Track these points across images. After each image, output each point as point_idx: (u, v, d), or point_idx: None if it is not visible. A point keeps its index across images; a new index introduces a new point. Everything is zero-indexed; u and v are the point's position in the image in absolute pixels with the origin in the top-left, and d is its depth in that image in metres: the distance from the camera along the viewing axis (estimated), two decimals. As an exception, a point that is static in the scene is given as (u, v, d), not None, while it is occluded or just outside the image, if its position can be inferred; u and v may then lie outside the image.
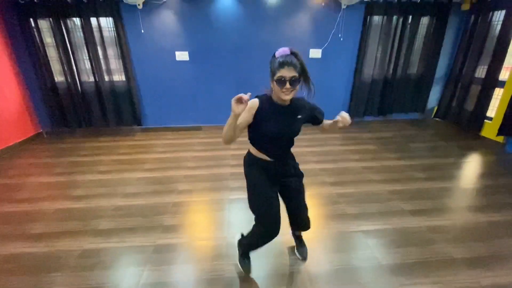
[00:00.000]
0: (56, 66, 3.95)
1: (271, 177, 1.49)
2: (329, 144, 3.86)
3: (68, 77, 3.96)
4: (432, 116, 4.82)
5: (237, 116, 1.18)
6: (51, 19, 3.66)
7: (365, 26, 4.09)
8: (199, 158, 3.43)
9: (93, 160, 3.40)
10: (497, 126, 3.66)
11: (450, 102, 4.44)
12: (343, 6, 3.90)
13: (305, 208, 1.66)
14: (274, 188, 1.52)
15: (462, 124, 4.25)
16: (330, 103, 4.53)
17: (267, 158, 1.46)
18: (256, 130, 1.39)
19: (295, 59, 1.25)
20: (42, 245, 1.97)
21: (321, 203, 2.47)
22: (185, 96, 4.26)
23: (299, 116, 1.42)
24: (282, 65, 1.22)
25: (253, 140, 1.47)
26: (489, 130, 3.86)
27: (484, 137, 3.93)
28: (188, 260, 1.84)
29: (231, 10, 3.84)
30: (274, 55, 1.28)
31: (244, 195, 1.58)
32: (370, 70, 4.38)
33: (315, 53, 4.19)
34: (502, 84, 3.68)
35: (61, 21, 3.69)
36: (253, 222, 1.57)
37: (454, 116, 4.38)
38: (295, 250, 1.90)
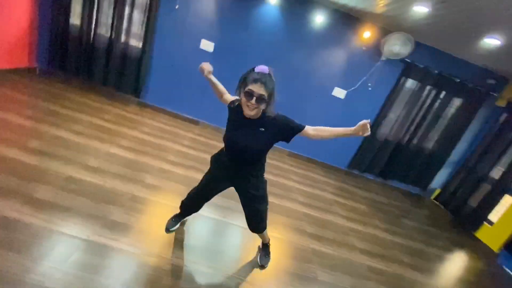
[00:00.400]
0: (76, 8, 3.69)
1: (225, 176, 1.62)
2: (320, 188, 3.58)
3: (84, 23, 3.69)
4: (432, 197, 4.60)
5: (207, 75, 1.54)
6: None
7: (397, 85, 3.91)
8: (182, 155, 3.12)
9: (71, 115, 3.07)
10: (496, 232, 3.42)
11: (454, 191, 4.22)
12: (383, 58, 3.73)
13: (256, 214, 1.70)
14: (223, 183, 1.67)
15: (460, 217, 4.01)
16: (335, 146, 4.29)
17: (226, 159, 1.56)
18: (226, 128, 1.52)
19: (270, 80, 1.30)
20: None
21: (292, 255, 2.15)
22: (195, 86, 3.99)
23: (262, 129, 1.40)
24: (256, 80, 1.27)
25: (224, 136, 1.51)
26: (486, 234, 3.61)
27: (478, 239, 3.67)
28: (116, 274, 1.50)
29: (273, 19, 3.66)
30: (252, 69, 1.34)
31: (214, 215, 1.74)
32: (386, 129, 4.18)
33: (339, 92, 3.99)
34: (513, 192, 3.47)
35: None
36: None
37: (454, 206, 4.15)
38: (257, 257, 1.97)
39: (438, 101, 4.02)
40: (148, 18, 3.64)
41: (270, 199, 2.48)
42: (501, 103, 3.93)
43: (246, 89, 1.29)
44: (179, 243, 1.85)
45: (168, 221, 1.94)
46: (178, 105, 4.13)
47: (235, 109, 1.45)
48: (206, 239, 1.98)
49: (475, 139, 4.24)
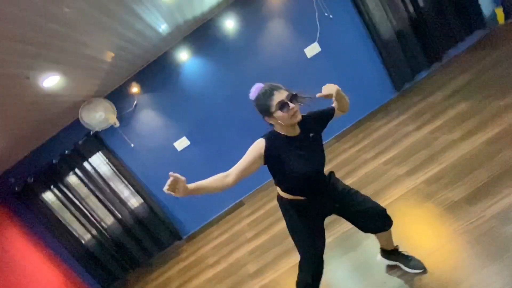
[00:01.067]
0: (78, 228, 3.63)
1: (313, 215, 1.31)
2: (402, 136, 2.71)
3: (93, 231, 3.59)
4: (500, 21, 3.46)
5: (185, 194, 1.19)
6: (53, 188, 3.43)
7: (348, -14, 3.21)
8: (257, 251, 2.52)
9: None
10: None
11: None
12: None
13: (367, 200, 1.34)
14: (318, 221, 1.35)
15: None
16: (365, 92, 3.49)
17: (303, 199, 1.27)
18: (280, 173, 1.25)
19: (277, 83, 1.17)
20: None
21: (413, 202, 1.34)
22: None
23: (311, 135, 1.25)
24: (271, 92, 1.13)
25: (281, 184, 1.30)
26: None
27: None
28: None
29: (197, 71, 3.30)
30: (257, 96, 1.17)
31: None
32: (386, 25, 3.34)
33: (312, 49, 3.35)
34: None
35: (59, 184, 3.44)
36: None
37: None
38: (403, 267, 1.46)
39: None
40: (122, 174, 3.46)
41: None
42: None
43: (276, 103, 1.11)
44: None
45: None
46: (211, 207, 3.70)
47: (274, 140, 1.19)
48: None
49: None
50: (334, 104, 1.35)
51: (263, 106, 1.15)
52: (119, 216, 3.57)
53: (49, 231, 3.54)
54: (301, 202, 1.27)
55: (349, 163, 2.71)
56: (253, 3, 3.18)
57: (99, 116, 3.04)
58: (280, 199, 1.35)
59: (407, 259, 1.44)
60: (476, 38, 3.51)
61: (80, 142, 3.29)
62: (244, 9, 3.17)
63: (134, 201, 3.63)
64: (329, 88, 1.23)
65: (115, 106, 3.18)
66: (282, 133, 1.19)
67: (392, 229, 1.35)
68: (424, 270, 1.39)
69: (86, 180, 3.43)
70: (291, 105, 1.11)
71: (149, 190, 3.57)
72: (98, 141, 3.35)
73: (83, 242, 3.64)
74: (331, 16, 3.25)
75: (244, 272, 2.16)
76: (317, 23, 3.26)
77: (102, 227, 3.60)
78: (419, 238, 1.61)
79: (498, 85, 2.42)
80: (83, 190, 3.52)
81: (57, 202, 3.50)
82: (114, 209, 3.55)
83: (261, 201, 3.42)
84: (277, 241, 2.29)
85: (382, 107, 3.56)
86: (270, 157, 1.17)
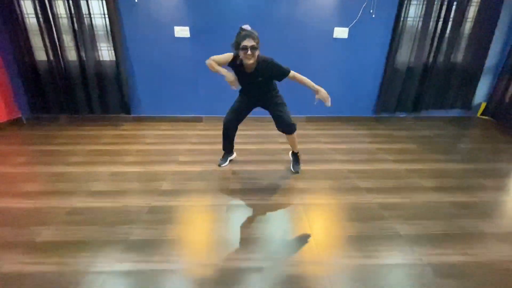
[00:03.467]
0: (37, 42, 3.39)
1: (251, 101, 2.20)
2: (356, 141, 3.13)
3: (50, 55, 3.39)
4: (479, 114, 4.02)
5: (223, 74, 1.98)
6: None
7: (403, 1, 3.36)
8: (194, 152, 2.76)
9: (66, 150, 2.78)
10: None
11: (503, 97, 3.63)
12: (377, -24, 3.20)
13: (283, 115, 2.09)
14: (250, 106, 2.22)
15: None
16: (355, 93, 3.80)
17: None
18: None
19: (254, 33, 1.77)
20: None
21: (357, 217, 1.73)
22: (185, 80, 3.62)
23: (260, 79, 1.94)
24: (245, 37, 1.74)
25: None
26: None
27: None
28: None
29: (241, -24, 3.20)
30: (239, 32, 1.81)
31: (248, 200, 1.64)
32: (405, 56, 3.64)
33: (341, 32, 3.49)
34: None
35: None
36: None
37: (503, 113, 3.55)
38: (290, 166, 2.38)
39: (454, 3, 3.43)
40: (111, 22, 3.28)
41: (305, 166, 2.43)
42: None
43: (241, 46, 1.76)
44: (222, 243, 1.48)
45: (219, 160, 2.45)
46: (175, 107, 3.77)
47: (238, 68, 1.94)
48: (248, 229, 1.60)
49: (509, 36, 3.62)
50: (309, 84, 1.96)
51: (236, 41, 1.80)
52: (84, 57, 3.42)
53: (7, 32, 3.26)
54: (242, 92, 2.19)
55: (319, 154, 2.73)
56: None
57: None
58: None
59: (296, 164, 2.33)
60: (458, 114, 4.02)
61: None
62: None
63: (105, 54, 3.48)
64: (325, 100, 1.94)
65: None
66: (242, 62, 1.87)
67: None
68: (297, 173, 2.28)
69: (72, 5, 3.17)
70: (248, 52, 1.75)
71: (127, 51, 3.46)
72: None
73: (36, 60, 3.44)
74: (373, 16, 3.39)
75: (156, 185, 2.07)
76: (359, 13, 3.38)
77: (62, 58, 3.43)
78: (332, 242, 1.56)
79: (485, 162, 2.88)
80: (62, 12, 3.26)
81: (29, 2, 3.20)
82: (83, 49, 3.38)
83: (218, 126, 3.62)
84: (204, 177, 2.21)
85: (359, 117, 3.93)
86: (232, 67, 1.99)
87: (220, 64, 1.91)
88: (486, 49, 3.64)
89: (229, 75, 1.94)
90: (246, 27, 1.80)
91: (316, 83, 1.94)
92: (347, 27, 3.46)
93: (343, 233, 1.57)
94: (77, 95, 3.58)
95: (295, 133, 2.17)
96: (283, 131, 2.16)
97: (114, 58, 3.46)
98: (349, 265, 1.33)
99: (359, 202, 1.89)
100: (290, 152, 2.39)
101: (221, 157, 2.47)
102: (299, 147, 2.36)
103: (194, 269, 1.30)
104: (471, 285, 1.23)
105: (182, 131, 3.44)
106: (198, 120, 3.84)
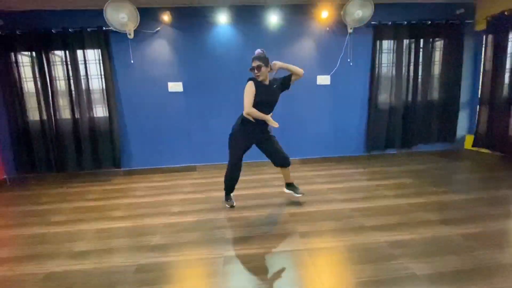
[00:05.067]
0: (32, 103, 3.48)
1: (251, 138, 2.32)
2: (353, 180, 3.08)
3: (44, 115, 3.46)
4: (466, 146, 4.13)
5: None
6: (33, 52, 3.34)
7: (375, 50, 3.74)
8: (187, 202, 2.63)
9: (50, 209, 2.60)
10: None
11: (488, 129, 3.78)
12: (350, 30, 3.61)
13: (279, 151, 2.36)
14: (249, 145, 2.34)
15: (508, 151, 3.50)
16: (345, 134, 3.90)
17: (253, 121, 2.21)
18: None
19: (261, 55, 2.17)
20: None
21: (367, 259, 1.59)
22: (178, 132, 3.68)
23: (275, 86, 2.26)
24: (253, 60, 2.17)
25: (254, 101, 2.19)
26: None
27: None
28: None
29: (229, 37, 3.56)
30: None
31: (247, 250, 1.51)
32: (386, 96, 3.88)
33: (324, 79, 3.76)
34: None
35: (44, 55, 3.36)
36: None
37: (496, 143, 3.65)
38: (293, 194, 2.48)
39: (421, 50, 3.84)
40: (107, 81, 3.45)
41: (306, 208, 2.38)
42: (480, 27, 3.78)
43: (251, 67, 2.18)
44: (218, 302, 1.29)
45: (226, 202, 2.47)
46: (168, 158, 3.74)
47: (259, 82, 2.19)
48: (249, 283, 1.42)
49: (475, 72, 3.99)
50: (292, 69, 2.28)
51: (250, 67, 2.18)
52: (77, 116, 3.50)
53: (2, 95, 3.38)
54: (251, 124, 2.22)
55: (317, 194, 2.66)
56: (303, 14, 3.57)
57: (122, 18, 3.12)
58: (241, 119, 2.26)
59: (296, 189, 2.46)
60: (444, 147, 4.12)
61: (88, 29, 3.30)
62: (293, 14, 3.55)
63: (99, 110, 3.58)
64: (276, 66, 2.22)
65: (140, 20, 3.28)
66: (259, 80, 2.18)
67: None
68: (303, 194, 2.46)
69: (69, 64, 3.38)
70: (255, 71, 2.14)
71: (120, 108, 3.57)
72: (104, 37, 3.37)
73: (28, 120, 3.49)
74: (351, 64, 3.72)
75: (145, 240, 1.90)
76: (338, 62, 3.70)
77: (55, 117, 3.49)
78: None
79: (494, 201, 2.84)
80: (59, 72, 3.45)
81: (29, 67, 3.39)
82: (77, 108, 3.48)
83: (213, 173, 3.56)
84: (199, 227, 2.05)
85: (352, 157, 3.96)
86: (256, 85, 2.16)
87: (251, 102, 2.13)
88: (458, 86, 3.94)
89: (268, 117, 2.17)
90: (257, 51, 2.19)
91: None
92: (329, 74, 3.74)
93: (354, 279, 1.41)
94: (67, 152, 3.54)
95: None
96: (281, 165, 2.37)
97: (107, 115, 3.54)
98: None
99: (366, 242, 1.76)
100: (285, 185, 2.52)
101: (226, 200, 2.47)
102: (300, 188, 2.33)
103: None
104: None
105: (175, 181, 3.34)
106: (192, 169, 3.78)
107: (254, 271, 1.52)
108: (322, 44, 3.69)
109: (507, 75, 3.45)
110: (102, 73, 3.47)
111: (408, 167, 3.52)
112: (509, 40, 3.37)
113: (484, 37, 3.71)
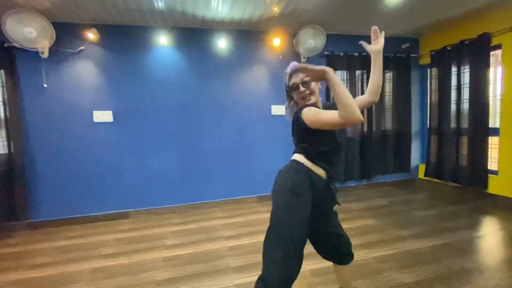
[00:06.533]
0: None
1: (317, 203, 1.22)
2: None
3: None
4: (420, 175, 4.13)
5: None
6: None
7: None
8: (102, 269, 1.96)
9: None
10: (506, 181, 2.97)
11: (438, 159, 3.82)
12: (303, 59, 3.47)
13: (343, 232, 1.37)
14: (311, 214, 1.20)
15: (461, 181, 3.51)
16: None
17: (322, 170, 1.23)
18: (315, 135, 1.18)
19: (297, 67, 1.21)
20: None
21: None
22: (106, 170, 3.00)
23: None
24: (291, 74, 1.24)
25: (310, 147, 1.22)
26: (497, 186, 3.13)
27: (494, 195, 3.16)
28: None
29: (170, 60, 3.12)
30: (286, 73, 1.29)
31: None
32: (342, 131, 3.73)
33: (278, 109, 3.49)
34: (495, 132, 3.18)
35: None
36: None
37: (448, 173, 3.67)
38: None
39: (373, 81, 3.84)
40: (9, 110, 2.71)
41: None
42: (425, 60, 3.95)
43: (291, 85, 1.24)
44: None
45: None
46: (91, 204, 3.00)
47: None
48: None
49: (423, 103, 4.11)
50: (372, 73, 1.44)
51: (286, 89, 1.28)
52: (-36, 153, 2.65)
53: None
54: (317, 176, 1.21)
55: None
56: (254, 41, 3.33)
57: (28, 32, 2.50)
58: (297, 165, 1.24)
59: None
60: (400, 177, 4.07)
61: (-17, 44, 2.60)
62: (243, 39, 3.29)
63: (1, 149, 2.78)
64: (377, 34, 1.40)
65: (56, 36, 2.70)
66: (309, 104, 1.21)
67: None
68: None
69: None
70: (301, 89, 1.19)
71: (28, 144, 2.81)
72: (7, 56, 2.68)
73: None
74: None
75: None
76: (293, 91, 3.48)
77: None
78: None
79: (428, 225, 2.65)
80: None
81: None
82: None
83: (148, 220, 2.91)
84: (127, 271, 1.78)
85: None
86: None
87: (335, 112, 1.10)
88: (408, 116, 4.00)
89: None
90: (292, 65, 1.25)
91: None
92: (283, 104, 3.48)
93: None
94: None
95: None
96: (340, 259, 1.38)
97: (7, 150, 2.74)
98: None
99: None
100: None
101: None
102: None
103: None
104: None
105: (95, 236, 2.62)
106: (124, 216, 3.07)
107: None
108: (276, 73, 3.46)
109: (453, 107, 3.54)
110: (5, 98, 2.73)
111: (369, 202, 3.31)
112: (452, 73, 3.50)
113: (429, 70, 3.86)
